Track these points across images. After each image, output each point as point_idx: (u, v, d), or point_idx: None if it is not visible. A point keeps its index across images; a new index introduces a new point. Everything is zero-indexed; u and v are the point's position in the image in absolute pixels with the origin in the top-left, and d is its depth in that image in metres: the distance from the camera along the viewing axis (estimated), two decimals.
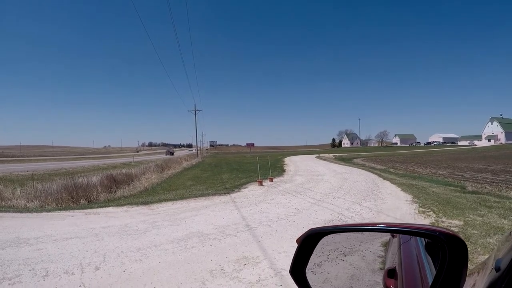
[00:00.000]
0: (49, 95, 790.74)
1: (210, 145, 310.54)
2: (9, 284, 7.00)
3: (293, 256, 1.74)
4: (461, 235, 1.40)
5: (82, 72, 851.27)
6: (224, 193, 19.75)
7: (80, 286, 6.81)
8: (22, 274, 7.54)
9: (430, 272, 1.74)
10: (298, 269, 1.72)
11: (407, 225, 1.60)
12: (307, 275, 1.79)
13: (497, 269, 1.16)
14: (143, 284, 6.82)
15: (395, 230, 1.78)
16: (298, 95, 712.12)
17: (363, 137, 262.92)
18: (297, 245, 1.77)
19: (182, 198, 18.48)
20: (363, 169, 37.39)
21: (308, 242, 1.75)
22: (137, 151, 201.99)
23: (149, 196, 20.78)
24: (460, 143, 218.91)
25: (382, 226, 1.73)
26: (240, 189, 21.72)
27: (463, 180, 24.04)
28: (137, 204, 16.97)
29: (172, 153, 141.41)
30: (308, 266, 1.80)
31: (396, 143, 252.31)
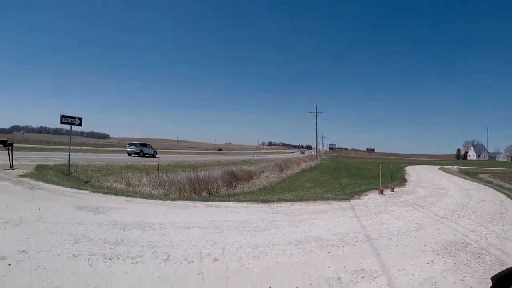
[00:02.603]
0: (174, 94, 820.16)
1: (329, 147, 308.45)
2: (131, 263, 7.45)
3: None
4: None
5: (201, 72, 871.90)
6: (343, 199, 19.46)
7: (198, 274, 7.04)
8: (145, 255, 7.97)
9: None
10: None
11: None
12: None
13: None
14: (259, 282, 6.90)
15: None
16: (423, 100, 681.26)
17: (491, 150, 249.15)
18: (491, 283, 1.64)
19: (301, 199, 18.46)
20: (490, 186, 35.23)
21: (506, 282, 1.62)
22: (220, 150, 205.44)
23: (268, 194, 20.96)
24: None
25: None
26: (359, 196, 21.33)
27: None
28: (256, 201, 17.20)
29: (303, 153, 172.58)
30: None
31: None
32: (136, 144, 65.79)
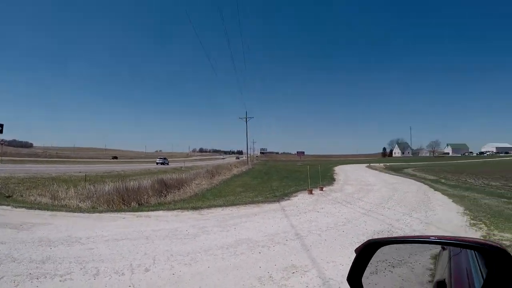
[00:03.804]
0: (102, 99, 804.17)
1: (260, 152, 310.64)
2: (60, 281, 7.23)
3: (351, 264, 1.80)
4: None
5: (134, 76, 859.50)
6: (274, 201, 19.79)
7: (129, 286, 6.96)
8: (73, 271, 7.76)
9: (480, 286, 1.75)
10: (355, 277, 1.78)
11: (457, 238, 1.65)
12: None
13: None
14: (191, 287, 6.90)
15: (445, 242, 1.83)
16: (350, 104, 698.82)
17: (414, 147, 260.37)
18: (355, 254, 1.83)
19: (232, 204, 18.62)
20: (413, 179, 36.91)
21: (366, 252, 1.82)
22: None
23: (199, 201, 20.91)
24: None
25: (433, 239, 1.81)
26: (289, 197, 21.71)
27: None
28: (187, 209, 17.16)
29: (238, 158, 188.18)
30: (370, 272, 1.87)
31: (448, 153, 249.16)
32: (163, 157, 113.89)
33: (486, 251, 1.42)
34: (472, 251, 2.19)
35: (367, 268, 2.04)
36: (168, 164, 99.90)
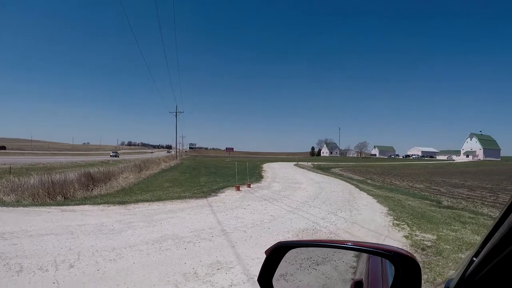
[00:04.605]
0: (29, 88, 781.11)
1: (189, 147, 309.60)
2: None
3: (261, 266, 1.83)
4: (415, 256, 1.50)
5: (62, 67, 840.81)
6: (201, 197, 19.79)
7: (54, 283, 6.81)
8: None
9: None
10: (265, 278, 1.82)
11: (365, 244, 1.72)
12: (279, 282, 1.89)
13: None
14: (116, 284, 6.84)
15: (353, 248, 1.87)
16: (279, 102, 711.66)
17: (342, 147, 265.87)
18: (265, 256, 1.86)
19: (159, 199, 18.46)
20: (340, 179, 37.66)
21: (276, 254, 1.86)
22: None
23: (126, 196, 20.61)
24: (438, 157, 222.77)
25: (341, 244, 1.86)
26: (217, 193, 21.76)
27: (439, 195, 24.53)
28: (113, 203, 16.88)
29: (169, 152, 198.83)
30: (281, 274, 1.90)
31: (375, 155, 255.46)
32: (115, 151, 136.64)
33: (392, 257, 1.49)
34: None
35: (291, 266, 2.11)
36: (118, 157, 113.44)
